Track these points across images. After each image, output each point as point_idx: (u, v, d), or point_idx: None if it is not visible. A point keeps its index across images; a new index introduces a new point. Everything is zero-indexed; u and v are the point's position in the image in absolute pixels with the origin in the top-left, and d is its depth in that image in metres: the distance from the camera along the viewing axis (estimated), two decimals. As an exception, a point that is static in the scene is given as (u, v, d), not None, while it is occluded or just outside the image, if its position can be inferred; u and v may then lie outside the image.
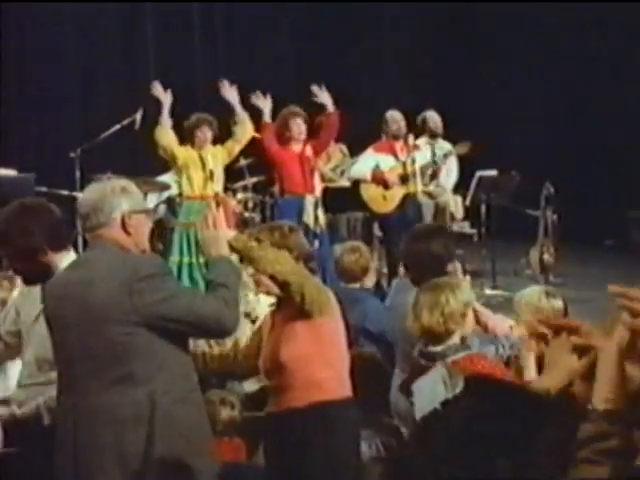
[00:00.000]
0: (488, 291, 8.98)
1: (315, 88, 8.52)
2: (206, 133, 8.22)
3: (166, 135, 8.16)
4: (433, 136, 9.59)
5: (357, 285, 5.73)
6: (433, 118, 9.64)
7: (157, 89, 8.27)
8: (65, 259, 3.85)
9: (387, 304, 5.42)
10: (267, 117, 8.34)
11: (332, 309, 3.83)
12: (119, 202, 3.47)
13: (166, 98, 8.21)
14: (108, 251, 3.46)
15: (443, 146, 9.60)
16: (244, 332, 5.24)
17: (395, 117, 9.17)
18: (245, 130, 8.32)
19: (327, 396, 3.75)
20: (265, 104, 8.37)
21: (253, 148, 8.71)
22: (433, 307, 4.21)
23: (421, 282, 4.67)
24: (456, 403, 3.91)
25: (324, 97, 8.50)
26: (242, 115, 8.30)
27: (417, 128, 9.55)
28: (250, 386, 5.38)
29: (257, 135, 8.49)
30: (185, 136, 8.32)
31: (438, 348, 4.22)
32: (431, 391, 4.06)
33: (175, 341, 3.39)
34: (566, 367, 2.10)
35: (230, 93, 8.32)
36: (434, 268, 4.69)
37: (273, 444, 3.87)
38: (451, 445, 3.82)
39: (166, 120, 8.17)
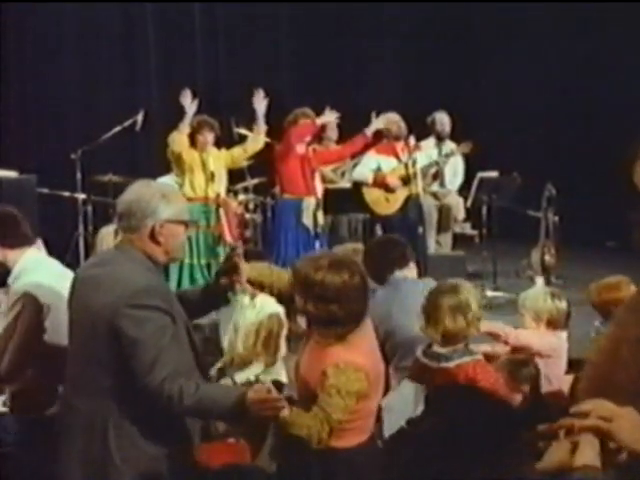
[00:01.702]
0: (489, 292, 8.97)
1: (383, 116, 8.74)
2: (207, 136, 8.24)
3: (179, 141, 8.18)
4: (440, 138, 9.60)
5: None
6: (441, 120, 9.65)
7: (185, 97, 8.25)
8: (22, 255, 4.04)
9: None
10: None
11: (372, 385, 3.57)
12: (155, 209, 3.37)
13: (191, 107, 8.20)
14: (129, 259, 3.40)
15: (451, 147, 9.61)
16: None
17: (393, 119, 9.19)
18: (257, 142, 8.41)
19: (336, 443, 3.58)
20: (261, 105, 8.38)
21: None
22: (456, 311, 4.19)
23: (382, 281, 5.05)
24: (420, 421, 3.90)
25: (376, 122, 8.70)
26: (261, 127, 8.37)
27: (426, 129, 9.58)
28: (240, 377, 5.39)
29: (268, 140, 8.53)
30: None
31: (444, 350, 4.22)
32: (400, 408, 4.05)
33: None
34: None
35: (260, 104, 8.35)
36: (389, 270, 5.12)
37: (278, 449, 3.85)
38: (416, 463, 3.81)
39: (185, 127, 8.18)
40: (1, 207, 4.37)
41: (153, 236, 3.39)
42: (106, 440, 3.29)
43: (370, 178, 9.08)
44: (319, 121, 8.53)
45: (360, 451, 3.65)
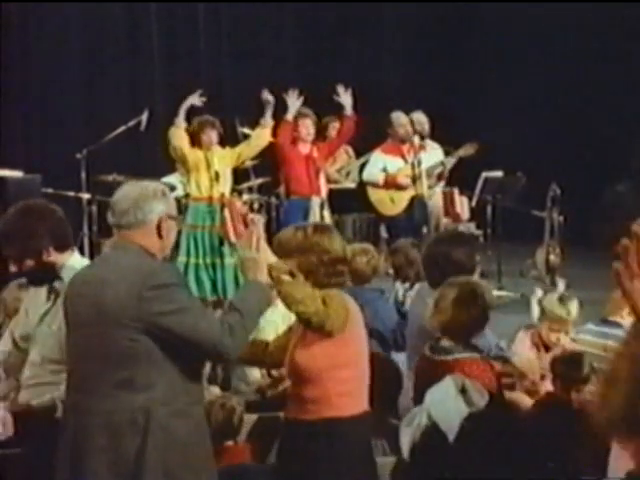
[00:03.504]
0: (494, 292, 8.96)
1: (341, 88, 8.60)
2: (211, 135, 8.21)
3: (179, 136, 8.15)
4: (420, 137, 9.57)
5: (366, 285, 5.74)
6: (419, 119, 9.60)
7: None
8: (69, 259, 3.91)
9: (407, 308, 5.48)
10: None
11: (354, 326, 3.74)
12: (158, 204, 3.48)
13: (190, 99, 8.20)
14: (129, 253, 3.45)
15: (433, 145, 9.62)
16: (273, 322, 5.18)
17: (401, 121, 9.16)
18: (262, 137, 8.31)
19: (336, 413, 3.68)
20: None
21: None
22: (461, 303, 4.21)
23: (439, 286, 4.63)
24: (481, 418, 3.90)
25: (346, 99, 8.58)
26: (268, 122, 8.28)
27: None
28: (253, 374, 5.39)
29: (272, 139, 8.51)
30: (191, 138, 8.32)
31: (447, 344, 4.24)
32: (451, 404, 3.99)
33: (179, 353, 3.37)
34: None
35: (268, 97, 8.29)
36: (452, 275, 4.53)
37: (283, 448, 3.86)
38: (482, 459, 3.81)
39: (181, 121, 8.17)
40: (46, 202, 4.18)
41: (159, 230, 3.48)
42: (136, 431, 3.32)
43: (381, 179, 9.08)
44: (289, 116, 8.49)
45: (361, 422, 3.73)
